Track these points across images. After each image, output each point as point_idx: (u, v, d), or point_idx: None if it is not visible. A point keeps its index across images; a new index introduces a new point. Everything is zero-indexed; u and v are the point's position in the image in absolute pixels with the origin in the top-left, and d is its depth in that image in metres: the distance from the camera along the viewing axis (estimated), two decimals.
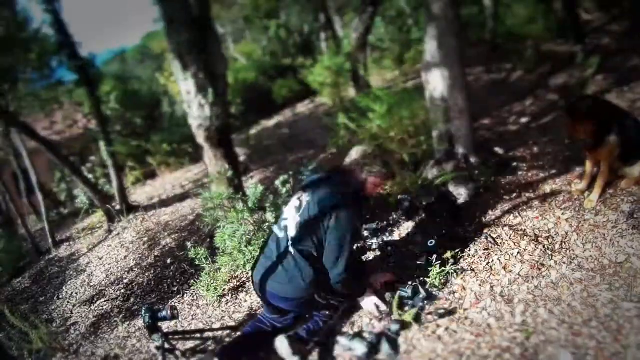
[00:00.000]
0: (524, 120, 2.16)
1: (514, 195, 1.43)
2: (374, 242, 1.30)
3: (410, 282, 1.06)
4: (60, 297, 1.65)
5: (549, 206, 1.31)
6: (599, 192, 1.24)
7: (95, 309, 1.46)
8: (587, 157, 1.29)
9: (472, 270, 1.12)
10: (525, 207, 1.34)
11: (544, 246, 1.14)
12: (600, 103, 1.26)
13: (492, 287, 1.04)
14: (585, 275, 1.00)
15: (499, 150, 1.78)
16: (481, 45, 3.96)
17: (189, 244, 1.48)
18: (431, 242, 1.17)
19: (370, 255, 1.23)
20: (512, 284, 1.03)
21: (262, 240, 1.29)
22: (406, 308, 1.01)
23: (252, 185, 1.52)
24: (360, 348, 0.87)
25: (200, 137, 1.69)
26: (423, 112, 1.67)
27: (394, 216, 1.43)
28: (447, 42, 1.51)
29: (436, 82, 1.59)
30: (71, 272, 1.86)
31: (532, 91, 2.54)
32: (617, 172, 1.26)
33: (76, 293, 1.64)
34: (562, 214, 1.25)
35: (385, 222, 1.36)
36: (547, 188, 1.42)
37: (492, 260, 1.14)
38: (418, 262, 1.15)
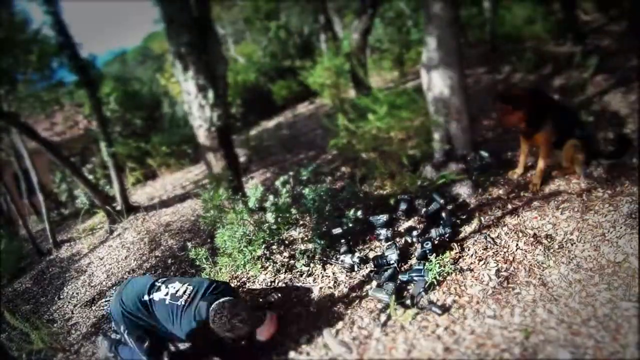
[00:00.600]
0: None
1: (513, 195, 1.43)
2: (382, 232, 1.31)
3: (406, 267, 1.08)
4: (61, 297, 1.65)
5: (548, 206, 1.32)
6: (540, 175, 1.37)
7: (96, 309, 1.46)
8: (522, 143, 1.43)
9: (471, 270, 1.13)
10: (524, 207, 1.34)
11: (543, 246, 1.14)
12: (533, 92, 1.38)
13: (490, 286, 1.05)
14: (584, 274, 1.00)
15: (498, 150, 1.79)
16: (481, 46, 3.96)
17: (189, 245, 1.48)
18: (427, 244, 1.17)
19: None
20: (511, 284, 1.04)
21: (262, 240, 1.30)
22: (405, 294, 1.01)
23: (252, 185, 1.52)
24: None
25: (201, 138, 1.69)
26: (422, 113, 1.67)
27: (394, 215, 1.44)
28: (446, 43, 1.51)
29: (435, 83, 1.60)
30: (72, 273, 1.86)
31: None
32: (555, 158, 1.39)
33: (77, 293, 1.65)
34: (561, 213, 1.26)
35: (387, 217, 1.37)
36: (545, 188, 1.42)
37: (491, 260, 1.14)
38: (417, 265, 1.16)
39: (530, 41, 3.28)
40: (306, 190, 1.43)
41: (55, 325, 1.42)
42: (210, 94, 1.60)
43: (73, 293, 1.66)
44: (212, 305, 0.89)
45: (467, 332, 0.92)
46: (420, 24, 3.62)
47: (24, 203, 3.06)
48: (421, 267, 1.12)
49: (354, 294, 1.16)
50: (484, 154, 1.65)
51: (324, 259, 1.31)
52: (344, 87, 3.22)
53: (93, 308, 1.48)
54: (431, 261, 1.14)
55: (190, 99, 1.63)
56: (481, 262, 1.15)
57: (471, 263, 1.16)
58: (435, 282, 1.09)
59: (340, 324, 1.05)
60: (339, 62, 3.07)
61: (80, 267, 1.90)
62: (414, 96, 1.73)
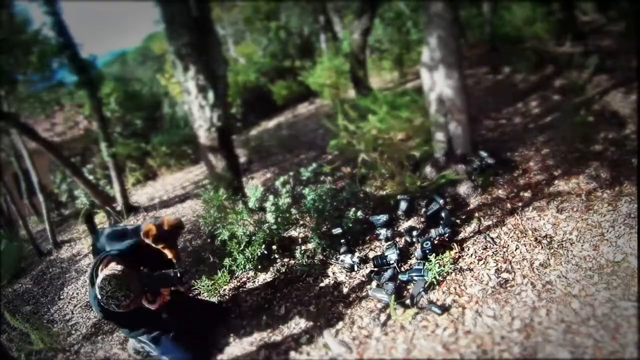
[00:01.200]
0: (523, 121, 2.17)
1: (512, 195, 1.44)
2: (382, 232, 1.32)
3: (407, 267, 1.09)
4: (62, 298, 1.65)
5: (547, 206, 1.32)
6: None
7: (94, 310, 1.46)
8: None
9: (471, 270, 1.13)
10: (523, 207, 1.34)
11: (542, 246, 1.15)
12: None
13: (490, 286, 1.05)
14: (583, 274, 1.00)
15: (497, 150, 1.79)
16: (480, 46, 3.98)
17: (189, 245, 1.48)
18: (426, 244, 1.18)
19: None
20: (511, 283, 1.04)
21: (262, 240, 1.31)
22: (405, 293, 1.02)
23: (252, 186, 1.53)
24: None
25: (201, 138, 1.69)
26: (422, 113, 1.67)
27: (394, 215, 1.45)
28: (446, 43, 1.51)
29: (435, 83, 1.60)
30: (72, 273, 1.87)
31: (532, 92, 2.55)
32: None
33: (77, 294, 1.65)
34: (560, 213, 1.26)
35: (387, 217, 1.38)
36: (545, 188, 1.43)
37: (491, 260, 1.14)
38: (416, 265, 1.16)
39: (530, 41, 3.27)
40: (306, 191, 1.44)
41: (55, 325, 1.42)
42: (211, 95, 1.60)
43: (73, 294, 1.66)
44: (97, 281, 0.84)
45: (467, 332, 0.93)
46: (420, 24, 3.62)
47: (24, 203, 3.06)
48: (421, 266, 1.12)
49: (353, 294, 1.16)
50: (484, 154, 1.65)
51: (324, 259, 1.32)
52: (344, 87, 3.21)
53: (92, 309, 1.48)
54: (431, 261, 1.15)
55: (191, 99, 1.63)
56: (481, 262, 1.15)
57: (471, 263, 1.16)
58: (435, 282, 1.09)
59: (340, 324, 1.06)
60: (339, 62, 3.07)
61: (81, 268, 1.90)
62: (413, 97, 1.74)
